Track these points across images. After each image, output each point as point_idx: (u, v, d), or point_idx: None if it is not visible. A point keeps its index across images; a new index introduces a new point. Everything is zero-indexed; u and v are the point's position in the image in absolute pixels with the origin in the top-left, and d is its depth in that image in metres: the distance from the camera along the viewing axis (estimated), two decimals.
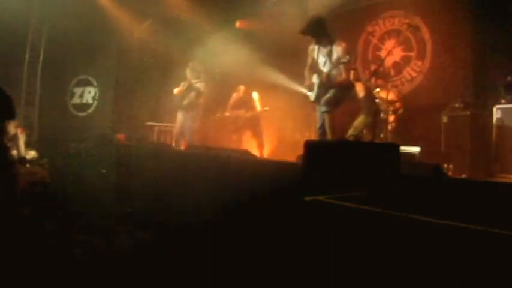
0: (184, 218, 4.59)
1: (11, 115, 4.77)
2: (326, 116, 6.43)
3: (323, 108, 6.42)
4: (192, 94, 8.73)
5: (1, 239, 3.71)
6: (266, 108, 9.35)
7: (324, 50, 6.50)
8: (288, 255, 2.78)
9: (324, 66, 6.50)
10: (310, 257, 2.53)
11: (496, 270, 1.91)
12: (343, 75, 6.39)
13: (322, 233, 2.52)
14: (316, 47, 6.60)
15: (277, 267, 2.90)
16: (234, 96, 9.57)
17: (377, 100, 7.58)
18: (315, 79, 6.61)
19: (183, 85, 8.79)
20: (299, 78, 8.19)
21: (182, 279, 3.39)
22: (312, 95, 6.63)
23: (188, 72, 8.82)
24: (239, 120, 9.37)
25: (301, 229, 2.66)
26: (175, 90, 8.85)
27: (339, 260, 2.41)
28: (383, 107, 7.52)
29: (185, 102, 8.76)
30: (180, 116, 8.87)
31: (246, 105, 9.42)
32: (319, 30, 6.45)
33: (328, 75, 6.40)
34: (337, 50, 6.34)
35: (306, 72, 6.77)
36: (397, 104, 7.82)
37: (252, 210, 3.82)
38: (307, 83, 6.75)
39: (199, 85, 8.75)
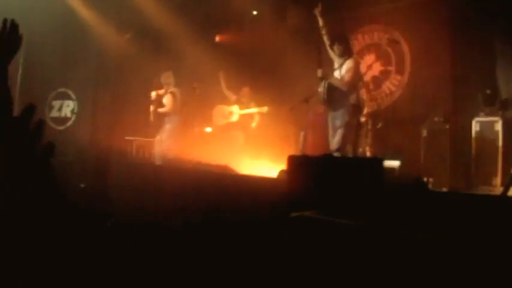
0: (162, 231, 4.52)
1: None
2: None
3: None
4: (167, 100, 8.68)
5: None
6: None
7: (340, 60, 6.55)
8: (275, 269, 2.76)
9: (335, 72, 6.56)
10: (297, 271, 2.50)
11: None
12: (354, 95, 6.39)
13: (309, 248, 2.50)
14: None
15: (263, 284, 2.87)
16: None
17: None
18: (320, 74, 6.55)
19: (155, 94, 8.82)
20: (280, 91, 8.21)
21: None
22: (320, 93, 6.54)
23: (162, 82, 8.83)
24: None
25: (288, 244, 2.64)
26: (153, 94, 8.84)
27: (327, 273, 2.40)
28: (362, 121, 7.52)
29: (161, 109, 8.69)
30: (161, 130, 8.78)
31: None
32: (345, 43, 6.60)
33: (333, 84, 6.40)
34: (347, 64, 6.40)
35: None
36: (375, 118, 7.82)
37: (233, 227, 3.78)
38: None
39: (173, 89, 8.72)
